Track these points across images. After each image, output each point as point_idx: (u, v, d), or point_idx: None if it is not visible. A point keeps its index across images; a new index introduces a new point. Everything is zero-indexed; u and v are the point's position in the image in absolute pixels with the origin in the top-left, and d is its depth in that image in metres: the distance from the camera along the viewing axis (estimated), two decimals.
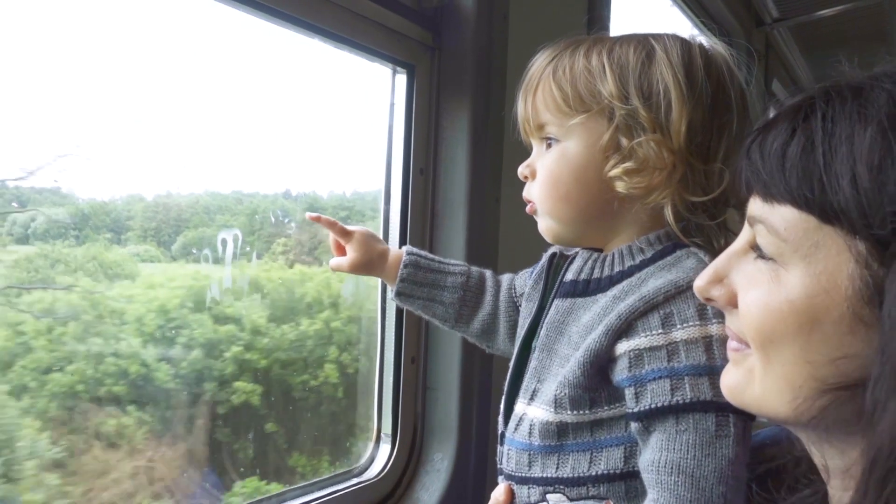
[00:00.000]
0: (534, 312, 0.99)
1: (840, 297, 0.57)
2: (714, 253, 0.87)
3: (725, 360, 0.76)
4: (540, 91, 0.92)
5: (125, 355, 1.37)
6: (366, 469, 1.55)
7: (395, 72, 1.52)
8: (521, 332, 1.00)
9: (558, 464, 0.87)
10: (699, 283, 0.71)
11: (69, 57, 1.16)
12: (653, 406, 0.78)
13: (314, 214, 1.10)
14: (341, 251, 1.13)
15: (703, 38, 0.92)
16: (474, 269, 1.13)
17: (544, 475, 0.88)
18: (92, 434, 1.33)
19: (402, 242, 1.53)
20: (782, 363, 0.62)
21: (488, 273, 1.13)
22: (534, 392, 0.92)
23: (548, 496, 0.87)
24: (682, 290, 0.81)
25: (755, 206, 0.65)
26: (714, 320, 0.79)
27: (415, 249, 1.13)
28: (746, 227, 0.68)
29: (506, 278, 1.13)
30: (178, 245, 1.52)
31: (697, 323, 0.79)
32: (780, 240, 0.61)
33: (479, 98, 1.50)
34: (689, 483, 0.74)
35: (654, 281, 0.84)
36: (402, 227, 1.53)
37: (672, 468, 0.76)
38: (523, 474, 0.90)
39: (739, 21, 3.42)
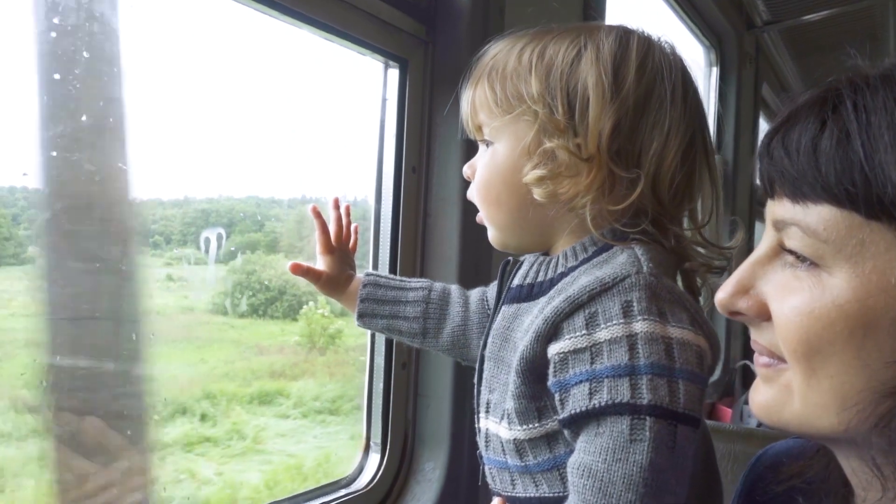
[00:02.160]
0: (489, 321, 0.95)
1: (895, 296, 0.54)
2: (667, 249, 0.83)
3: (649, 360, 0.71)
4: (478, 90, 0.90)
5: None
6: (354, 479, 1.49)
7: (387, 66, 1.47)
8: (481, 342, 0.96)
9: (536, 483, 0.83)
10: (721, 295, 0.65)
11: None
12: (573, 412, 0.75)
13: (317, 209, 1.11)
14: (329, 250, 1.12)
15: (653, 32, 0.87)
16: (438, 284, 1.11)
17: (527, 495, 0.84)
18: None
19: (394, 243, 1.47)
20: (830, 374, 0.57)
21: (454, 287, 1.11)
22: (488, 403, 0.88)
23: None
24: (607, 287, 0.77)
25: (782, 208, 0.60)
26: (639, 317, 0.74)
27: (373, 272, 1.12)
28: (770, 231, 0.63)
29: (478, 290, 1.09)
30: None
31: (622, 321, 0.75)
32: (820, 241, 0.57)
33: None
34: (596, 487, 0.71)
35: (583, 279, 0.80)
36: (394, 227, 1.47)
37: (583, 471, 0.72)
38: (509, 493, 0.87)
39: (731, 23, 3.41)
